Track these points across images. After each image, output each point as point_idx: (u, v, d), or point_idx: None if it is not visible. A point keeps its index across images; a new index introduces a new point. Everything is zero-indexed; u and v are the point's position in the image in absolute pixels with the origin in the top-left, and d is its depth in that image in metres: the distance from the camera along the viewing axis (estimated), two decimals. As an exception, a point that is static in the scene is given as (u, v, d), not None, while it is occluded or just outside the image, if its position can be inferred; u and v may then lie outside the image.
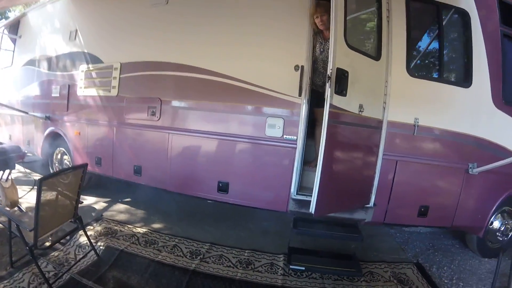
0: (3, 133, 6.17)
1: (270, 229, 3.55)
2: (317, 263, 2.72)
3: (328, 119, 2.42)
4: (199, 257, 2.91)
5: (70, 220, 2.73)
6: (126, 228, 3.49)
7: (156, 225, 3.61)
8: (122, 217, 3.86)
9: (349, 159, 2.85)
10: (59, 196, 2.47)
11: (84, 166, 2.62)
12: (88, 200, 4.31)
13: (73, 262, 2.84)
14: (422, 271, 2.87)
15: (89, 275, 2.65)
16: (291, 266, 2.70)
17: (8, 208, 3.37)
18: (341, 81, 2.44)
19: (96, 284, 2.54)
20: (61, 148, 4.70)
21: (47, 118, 4.63)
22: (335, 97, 2.43)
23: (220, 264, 2.81)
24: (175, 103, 3.43)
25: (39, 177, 2.16)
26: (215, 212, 3.91)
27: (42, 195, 2.21)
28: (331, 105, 2.40)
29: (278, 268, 2.79)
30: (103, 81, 3.89)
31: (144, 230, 3.45)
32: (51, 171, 4.89)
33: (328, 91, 2.40)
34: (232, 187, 3.19)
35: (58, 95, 4.47)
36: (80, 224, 2.80)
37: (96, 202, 4.30)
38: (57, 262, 2.82)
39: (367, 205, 2.91)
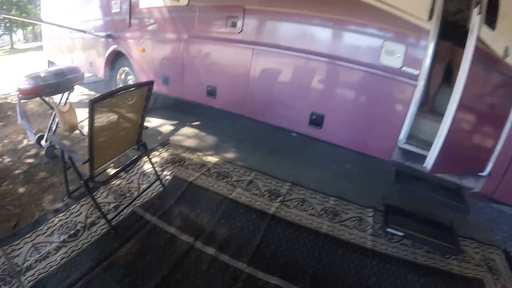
0: (65, 58, 5.71)
1: (354, 173, 2.80)
2: (415, 230, 2.04)
3: (472, 57, 1.66)
4: (279, 199, 2.33)
5: (133, 147, 2.25)
6: (195, 156, 2.95)
7: (229, 155, 3.00)
8: (190, 142, 3.29)
9: (480, 113, 2.04)
10: (120, 120, 1.92)
11: (150, 83, 2.02)
12: (153, 122, 3.82)
13: (136, 193, 2.42)
14: (509, 261, 2.10)
15: (153, 209, 2.25)
16: (388, 229, 2.04)
17: (67, 132, 3.03)
18: (492, 10, 1.75)
19: (161, 220, 2.13)
20: (124, 68, 4.13)
21: (108, 36, 4.01)
22: (484, 29, 1.72)
23: (303, 211, 2.22)
24: (263, 12, 2.56)
25: (91, 99, 1.59)
26: (294, 145, 3.13)
27: (97, 120, 1.66)
28: (478, 39, 1.67)
29: (367, 226, 2.16)
30: (171, -11, 3.07)
31: (216, 159, 2.88)
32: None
33: (477, 20, 1.67)
34: (328, 122, 2.43)
35: (118, 10, 3.77)
36: (145, 151, 2.30)
37: (162, 125, 3.78)
38: (118, 192, 2.43)
39: (481, 173, 2.15)
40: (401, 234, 2.02)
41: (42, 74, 2.93)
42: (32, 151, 3.41)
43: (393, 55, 2.11)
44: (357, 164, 2.85)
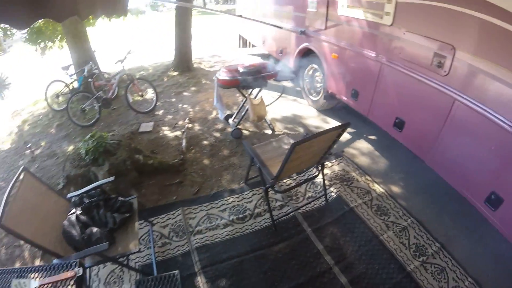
0: (256, 38, 6.33)
1: (507, 259, 2.25)
2: None
3: None
4: (422, 259, 2.20)
5: (314, 166, 2.50)
6: (363, 179, 2.98)
7: (394, 188, 2.88)
8: (362, 160, 3.29)
9: None
10: (310, 150, 2.14)
11: (345, 126, 2.10)
12: (331, 124, 3.90)
13: (301, 198, 2.74)
14: None
15: (311, 221, 2.50)
16: None
17: (255, 120, 3.49)
18: None
19: (314, 234, 2.39)
20: (313, 65, 4.36)
21: (302, 33, 4.25)
22: None
23: (436, 281, 2.06)
24: (477, 60, 2.00)
25: (293, 142, 1.79)
26: (462, 204, 2.52)
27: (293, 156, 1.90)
28: None
29: None
30: (374, 4, 2.93)
31: (381, 190, 2.83)
32: (300, 82, 4.72)
33: None
34: (508, 207, 1.93)
35: (314, 10, 3.91)
36: (321, 170, 2.50)
37: (339, 131, 3.90)
38: (287, 194, 2.76)
39: None
40: None
41: (241, 69, 3.36)
42: (220, 125, 4.04)
43: None
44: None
